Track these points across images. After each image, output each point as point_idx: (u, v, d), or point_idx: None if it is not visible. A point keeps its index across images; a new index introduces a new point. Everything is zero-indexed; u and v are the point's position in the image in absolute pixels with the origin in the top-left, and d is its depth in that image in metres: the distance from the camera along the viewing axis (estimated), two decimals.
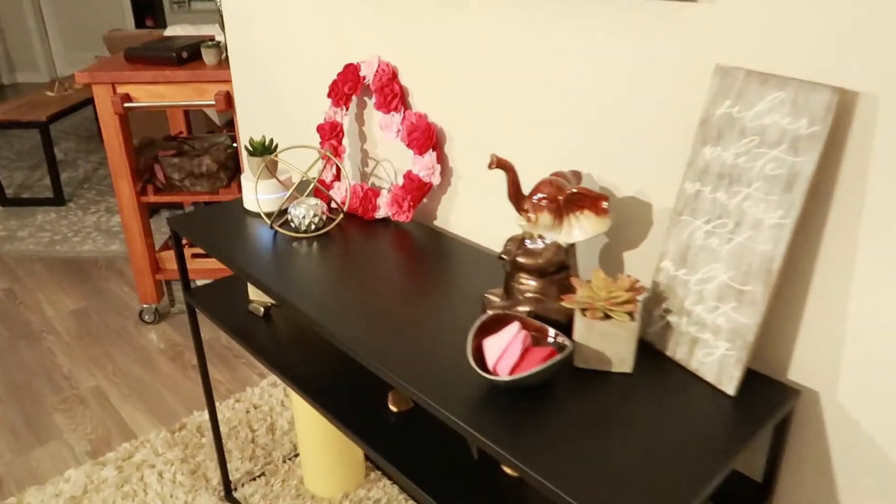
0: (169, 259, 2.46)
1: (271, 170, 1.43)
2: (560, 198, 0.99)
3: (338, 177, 1.53)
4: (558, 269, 1.03)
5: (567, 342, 0.93)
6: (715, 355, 0.93)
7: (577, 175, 1.09)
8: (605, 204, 0.97)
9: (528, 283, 1.04)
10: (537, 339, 0.97)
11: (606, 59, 1.05)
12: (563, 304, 0.96)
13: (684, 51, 0.96)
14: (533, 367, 0.88)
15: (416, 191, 1.38)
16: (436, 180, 1.37)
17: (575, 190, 0.98)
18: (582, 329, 0.94)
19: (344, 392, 1.24)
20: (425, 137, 1.34)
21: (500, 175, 1.29)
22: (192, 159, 2.33)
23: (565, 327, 1.03)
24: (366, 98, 1.52)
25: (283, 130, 1.84)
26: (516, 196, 1.02)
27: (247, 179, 1.48)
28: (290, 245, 1.34)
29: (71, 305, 2.72)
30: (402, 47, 1.39)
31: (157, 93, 2.16)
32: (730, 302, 0.90)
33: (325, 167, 1.45)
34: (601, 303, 0.93)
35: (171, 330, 2.54)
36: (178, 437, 2.00)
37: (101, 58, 2.62)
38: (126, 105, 2.14)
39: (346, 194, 1.44)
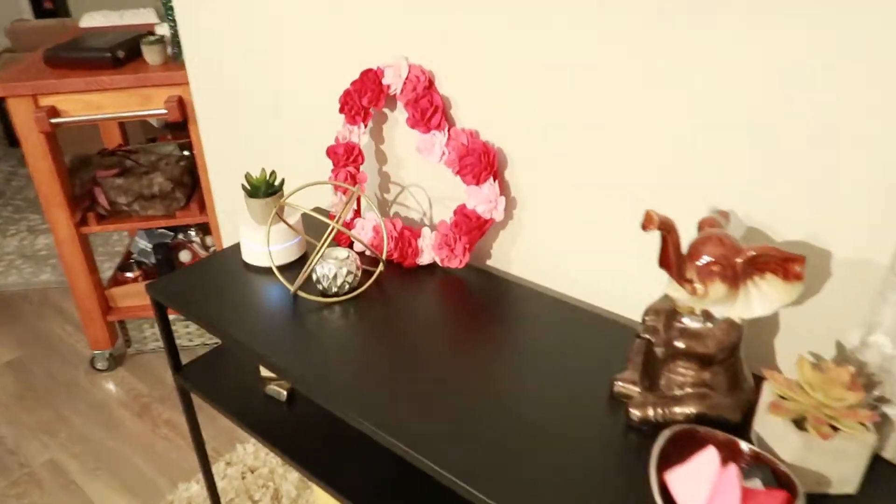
0: (122, 295, 2.08)
1: (281, 214, 1.11)
2: (737, 261, 0.73)
3: (358, 212, 1.22)
4: (729, 353, 0.77)
5: (782, 467, 0.68)
6: None
7: (725, 216, 0.82)
8: (798, 267, 0.72)
9: (689, 374, 0.78)
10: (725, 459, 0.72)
11: (779, 53, 0.78)
12: (772, 415, 0.70)
13: None
14: None
15: (474, 230, 1.09)
16: (498, 216, 1.08)
17: (754, 253, 0.72)
18: (798, 448, 0.69)
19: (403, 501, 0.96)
20: (483, 163, 1.05)
21: (583, 207, 1.01)
22: (140, 178, 1.94)
23: (737, 427, 0.78)
24: (385, 110, 1.21)
25: (263, 142, 1.50)
26: (676, 261, 0.75)
27: (247, 227, 1.14)
28: (316, 313, 1.03)
29: (4, 355, 2.30)
30: (440, 47, 1.07)
31: (91, 103, 1.76)
32: None
33: (347, 204, 1.13)
34: (825, 411, 0.68)
35: (132, 376, 2.17)
36: None
37: (8, 58, 2.16)
38: (54, 121, 1.73)
39: (383, 238, 1.14)
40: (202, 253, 2.14)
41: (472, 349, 0.95)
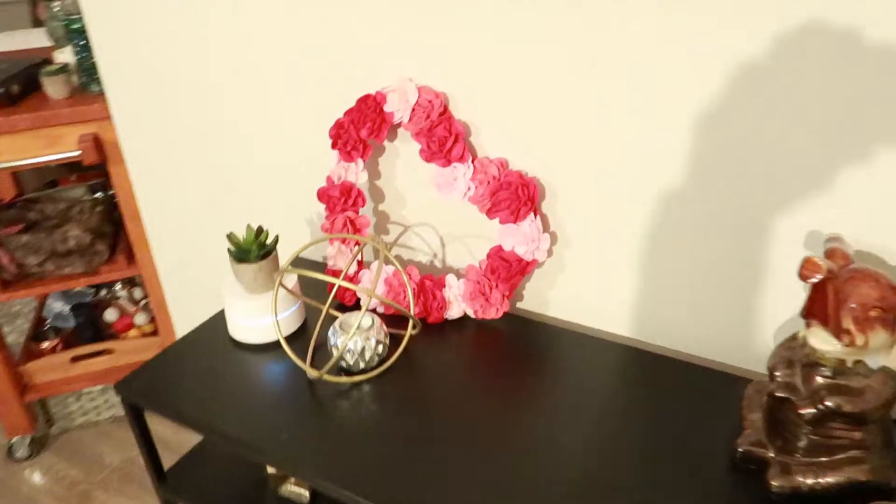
0: (39, 370, 1.77)
1: (282, 280, 0.91)
2: None
3: (361, 264, 1.04)
4: (888, 409, 0.66)
5: None
6: None
7: (839, 241, 0.71)
8: None
9: (841, 434, 0.67)
10: None
11: None
12: None
13: None
14: None
15: (515, 275, 0.94)
16: (541, 256, 0.94)
17: None
18: None
19: None
20: (522, 198, 0.90)
21: (628, 239, 0.89)
22: (51, 232, 1.64)
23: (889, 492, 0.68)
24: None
25: (218, 181, 1.28)
26: (835, 311, 0.63)
27: (235, 297, 0.94)
28: (341, 396, 0.85)
29: None
30: (453, 64, 0.91)
31: None
32: None
33: (355, 256, 0.95)
34: None
35: (61, 461, 1.86)
36: None
37: None
38: None
39: (408, 293, 0.96)
40: (131, 309, 1.86)
41: (530, 412, 0.80)
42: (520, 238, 0.92)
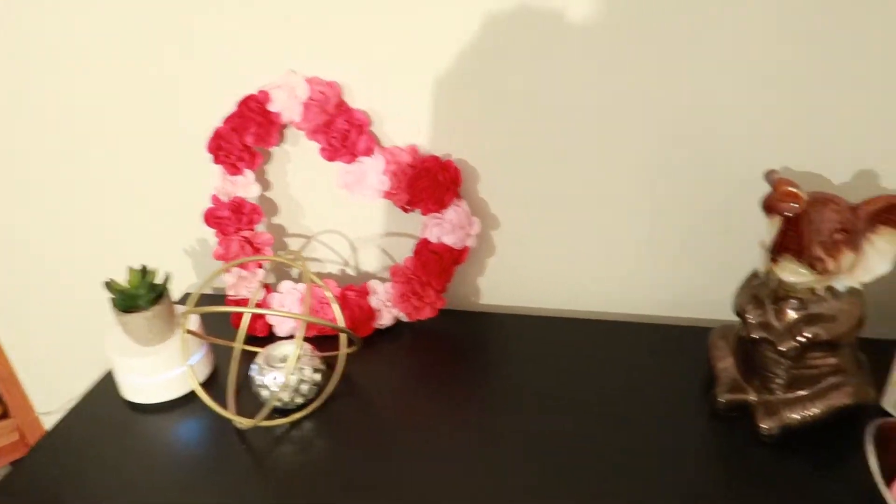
0: None
1: (185, 325, 0.76)
2: (857, 222, 0.63)
3: (268, 287, 0.91)
4: (859, 329, 0.67)
5: None
6: None
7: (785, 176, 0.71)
8: None
9: (820, 363, 0.67)
10: None
11: None
12: None
13: None
14: None
15: (448, 267, 0.86)
16: (473, 241, 0.87)
17: (874, 207, 0.62)
18: None
19: None
20: (443, 183, 0.83)
21: (567, 209, 0.85)
22: None
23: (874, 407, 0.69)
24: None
25: (68, 222, 1.08)
26: (808, 242, 0.62)
27: (125, 354, 0.78)
28: (279, 441, 0.74)
29: None
30: (342, 48, 0.82)
31: None
32: None
33: (261, 280, 0.83)
34: None
35: None
36: None
37: None
38: None
39: (335, 310, 0.85)
40: None
41: (491, 409, 0.74)
42: (447, 227, 0.84)
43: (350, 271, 0.97)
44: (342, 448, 0.72)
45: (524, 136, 0.82)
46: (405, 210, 0.86)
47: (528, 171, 0.84)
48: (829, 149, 0.76)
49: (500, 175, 0.85)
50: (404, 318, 0.89)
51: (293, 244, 0.97)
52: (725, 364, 0.73)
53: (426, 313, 0.88)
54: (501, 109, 0.81)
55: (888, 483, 0.57)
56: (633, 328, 0.87)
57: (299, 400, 0.76)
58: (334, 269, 0.97)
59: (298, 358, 0.75)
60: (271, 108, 0.82)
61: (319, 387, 0.78)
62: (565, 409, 0.74)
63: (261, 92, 0.83)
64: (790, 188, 0.59)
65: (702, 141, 0.78)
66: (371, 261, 0.95)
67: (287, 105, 0.82)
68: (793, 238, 0.62)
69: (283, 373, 0.73)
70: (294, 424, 0.75)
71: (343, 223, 0.94)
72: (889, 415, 0.69)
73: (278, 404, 0.76)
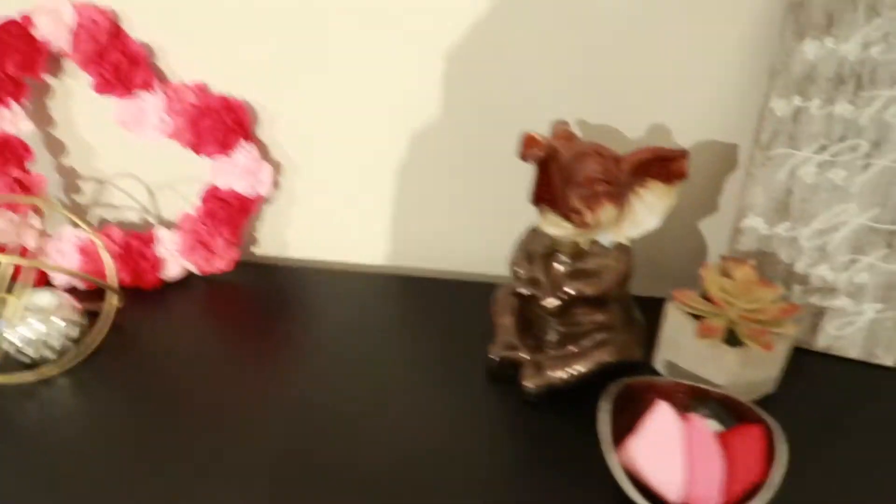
0: None
1: None
2: (621, 173, 0.60)
3: (44, 234, 0.84)
4: (625, 284, 0.65)
5: (731, 396, 0.58)
6: (858, 323, 0.68)
7: (565, 126, 0.68)
8: (682, 164, 0.61)
9: (585, 320, 0.65)
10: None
11: None
12: (703, 339, 0.59)
13: None
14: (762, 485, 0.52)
15: (237, 216, 0.81)
16: (266, 189, 0.81)
17: (639, 159, 0.60)
18: (734, 367, 0.60)
19: None
20: (228, 124, 0.76)
21: (366, 159, 0.81)
22: None
23: (642, 364, 0.68)
24: (48, 76, 0.82)
25: None
26: (562, 192, 0.59)
27: None
28: (25, 401, 0.67)
29: None
30: None
31: None
32: (876, 249, 0.65)
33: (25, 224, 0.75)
34: (759, 317, 0.60)
35: None
36: None
37: None
38: None
39: (103, 258, 0.78)
40: None
41: (284, 370, 0.70)
42: (236, 172, 0.78)
43: (151, 219, 0.90)
44: (107, 407, 0.66)
45: (324, 77, 0.77)
46: (195, 152, 0.79)
47: (331, 115, 0.79)
48: (623, 102, 0.73)
49: (300, 121, 0.80)
50: (196, 271, 0.83)
51: (88, 190, 0.89)
52: (504, 321, 0.70)
53: (219, 266, 0.82)
54: (300, 48, 0.75)
55: (623, 440, 0.55)
56: (439, 284, 0.83)
57: (51, 355, 0.70)
58: (134, 216, 0.90)
59: (41, 309, 0.68)
60: (36, 34, 0.74)
61: (77, 342, 0.72)
62: (355, 371, 0.70)
63: (24, 16, 0.74)
64: (531, 134, 0.56)
65: (498, 93, 0.74)
66: (170, 208, 0.89)
67: (53, 31, 0.74)
68: (546, 189, 0.59)
69: (20, 325, 0.66)
70: (45, 381, 0.69)
71: (139, 166, 0.86)
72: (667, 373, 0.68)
73: (26, 360, 0.69)
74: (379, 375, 0.69)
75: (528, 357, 0.67)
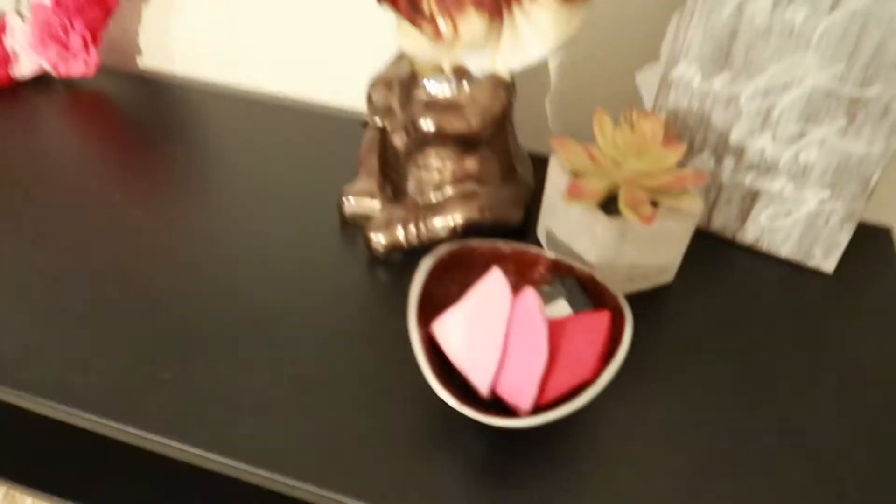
0: None
1: None
2: None
3: None
4: (499, 127, 0.52)
5: (590, 273, 0.46)
6: (796, 214, 0.55)
7: None
8: None
9: (447, 167, 0.52)
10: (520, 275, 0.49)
11: None
12: (570, 202, 0.47)
13: None
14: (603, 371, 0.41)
15: (91, 7, 0.68)
16: None
17: None
18: (609, 242, 0.48)
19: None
20: None
21: None
22: None
23: (520, 230, 0.56)
24: None
25: None
26: None
27: None
28: None
29: None
30: None
31: None
32: (833, 121, 0.50)
33: None
34: (645, 182, 0.47)
35: None
36: None
37: None
38: None
39: None
40: None
41: (140, 196, 0.60)
42: None
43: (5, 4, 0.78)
44: None
45: None
46: None
47: None
48: None
49: None
50: (52, 72, 0.72)
51: None
52: (369, 161, 0.58)
53: (78, 69, 0.71)
54: None
55: (430, 319, 0.44)
56: (331, 117, 0.71)
57: None
58: None
59: None
60: None
61: None
62: (208, 199, 0.60)
63: None
64: None
65: None
66: None
67: None
68: None
69: None
70: None
71: None
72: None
73: None
74: (232, 205, 0.59)
75: (383, 205, 0.56)
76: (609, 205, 0.48)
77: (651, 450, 0.42)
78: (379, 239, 0.53)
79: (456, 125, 0.49)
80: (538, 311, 0.42)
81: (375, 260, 0.55)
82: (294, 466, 0.41)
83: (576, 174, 0.50)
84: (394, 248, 0.54)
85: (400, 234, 0.53)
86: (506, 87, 0.50)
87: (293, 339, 0.48)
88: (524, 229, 0.57)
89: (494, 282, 0.43)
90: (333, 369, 0.46)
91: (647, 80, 0.59)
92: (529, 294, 0.42)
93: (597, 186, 0.47)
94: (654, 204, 0.48)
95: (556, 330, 0.42)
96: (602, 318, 0.43)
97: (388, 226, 0.53)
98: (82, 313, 0.48)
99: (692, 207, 0.48)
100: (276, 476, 0.40)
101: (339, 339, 0.48)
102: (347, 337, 0.48)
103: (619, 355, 0.41)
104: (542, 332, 0.41)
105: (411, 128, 0.50)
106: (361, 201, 0.56)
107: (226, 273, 0.52)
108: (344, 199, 0.56)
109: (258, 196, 0.60)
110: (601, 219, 0.47)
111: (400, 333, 0.48)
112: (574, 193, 0.46)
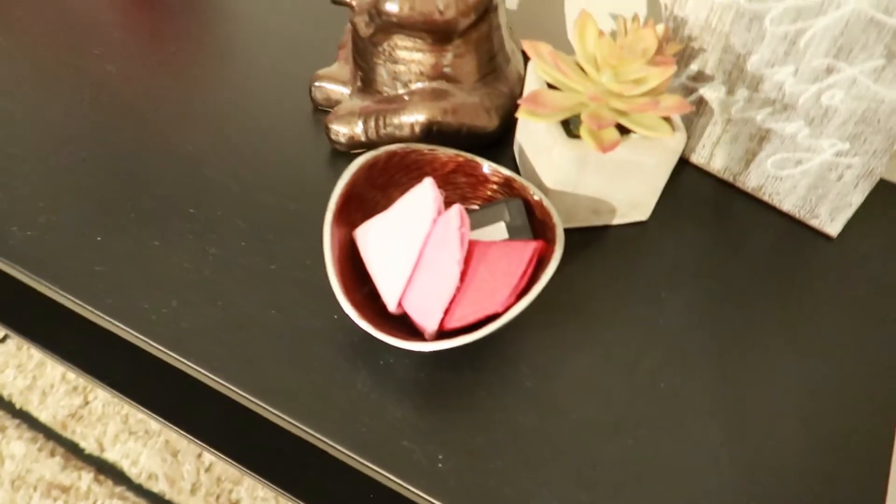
0: None
1: None
2: None
3: None
4: (478, 19, 0.46)
5: (537, 198, 0.42)
6: (807, 165, 0.47)
7: None
8: None
9: (415, 59, 0.48)
10: (460, 187, 0.45)
11: None
12: (524, 115, 0.41)
13: None
14: (514, 305, 0.38)
15: None
16: None
17: None
18: (567, 165, 0.43)
19: None
20: None
21: None
22: None
23: (495, 140, 0.51)
24: None
25: None
26: None
27: None
28: None
29: None
30: None
31: None
32: (869, 58, 0.42)
33: None
34: (613, 102, 0.41)
35: None
36: None
37: None
38: None
39: None
40: None
41: (117, 52, 0.58)
42: None
43: None
44: None
45: None
46: None
47: None
48: None
49: None
50: None
51: None
52: (346, 46, 0.54)
53: None
54: None
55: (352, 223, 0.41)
56: None
57: None
58: None
59: None
60: None
61: None
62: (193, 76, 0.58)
63: None
64: None
65: None
66: None
67: None
68: None
69: None
70: None
71: None
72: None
73: None
74: (211, 71, 0.56)
75: (350, 95, 0.52)
76: (573, 123, 0.43)
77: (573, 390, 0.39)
78: (338, 130, 0.50)
79: (425, 10, 0.44)
80: (456, 230, 0.38)
81: (339, 152, 0.51)
82: (196, 350, 0.40)
83: (550, 86, 0.44)
84: (355, 143, 0.50)
85: (359, 128, 0.49)
86: None
87: (228, 219, 0.46)
88: (502, 140, 0.52)
89: (423, 193, 0.40)
90: (262, 261, 0.44)
91: None
92: (453, 211, 0.39)
93: (560, 102, 0.41)
94: (624, 130, 0.42)
95: (477, 254, 0.39)
96: (525, 249, 0.39)
97: (349, 118, 0.50)
98: (36, 162, 0.48)
99: (671, 141, 0.42)
100: (180, 357, 0.40)
101: (276, 228, 0.46)
102: (283, 229, 0.46)
103: (533, 290, 0.37)
104: (455, 253, 0.38)
105: (374, 11, 0.45)
106: (330, 88, 0.52)
107: (189, 141, 0.51)
108: (314, 83, 0.53)
109: (239, 68, 0.57)
110: (559, 140, 0.41)
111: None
112: (529, 107, 0.41)
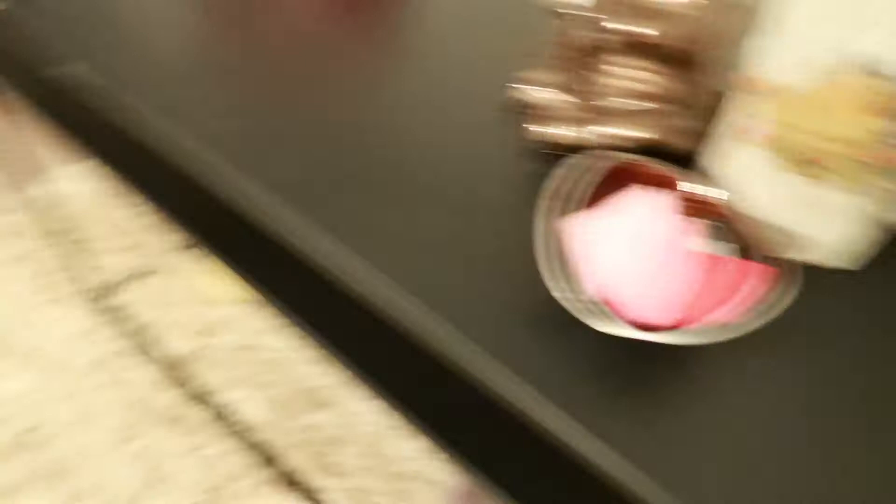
0: None
1: None
2: None
3: None
4: (715, 46, 0.47)
5: (744, 218, 0.43)
6: None
7: None
8: None
9: (639, 76, 0.49)
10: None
11: None
12: (740, 142, 0.42)
13: None
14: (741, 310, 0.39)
15: None
16: None
17: None
18: (779, 195, 0.43)
19: None
20: None
21: None
22: None
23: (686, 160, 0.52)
24: None
25: None
26: None
27: None
28: None
29: None
30: None
31: None
32: None
33: None
34: (826, 145, 0.41)
35: None
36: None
37: None
38: None
39: None
40: None
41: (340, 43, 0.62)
42: None
43: None
44: None
45: None
46: None
47: None
48: None
49: None
50: None
51: None
52: (554, 49, 0.56)
53: None
54: None
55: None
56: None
57: None
58: None
59: None
60: None
61: None
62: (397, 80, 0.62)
63: None
64: None
65: None
66: None
67: None
68: None
69: None
70: None
71: None
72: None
73: None
74: (416, 65, 0.60)
75: (557, 98, 0.54)
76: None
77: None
78: (532, 131, 0.52)
79: (669, 34, 0.45)
80: (683, 239, 0.40)
81: (535, 153, 0.53)
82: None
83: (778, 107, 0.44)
84: (550, 144, 0.52)
85: (552, 131, 0.51)
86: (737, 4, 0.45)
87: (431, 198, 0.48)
88: (691, 157, 0.53)
89: (659, 197, 0.41)
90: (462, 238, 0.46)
91: None
92: (692, 224, 0.40)
93: (784, 135, 0.42)
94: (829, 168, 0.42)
95: (714, 265, 0.40)
96: (766, 270, 0.40)
97: (558, 121, 0.52)
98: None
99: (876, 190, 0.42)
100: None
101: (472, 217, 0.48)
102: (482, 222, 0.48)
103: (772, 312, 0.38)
104: (688, 260, 0.40)
105: (608, 23, 0.47)
106: (530, 91, 0.54)
107: (382, 125, 0.54)
108: (517, 84, 0.55)
109: (442, 62, 0.60)
110: (775, 168, 0.42)
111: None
112: (746, 133, 0.42)
